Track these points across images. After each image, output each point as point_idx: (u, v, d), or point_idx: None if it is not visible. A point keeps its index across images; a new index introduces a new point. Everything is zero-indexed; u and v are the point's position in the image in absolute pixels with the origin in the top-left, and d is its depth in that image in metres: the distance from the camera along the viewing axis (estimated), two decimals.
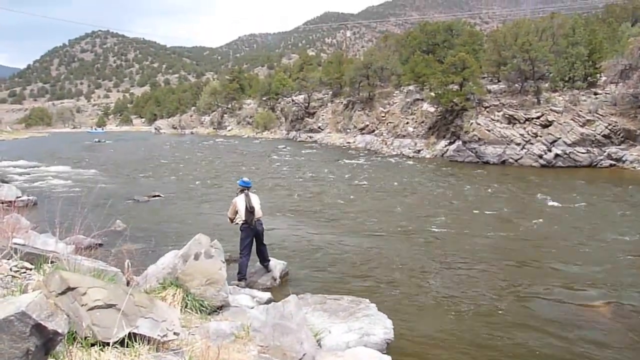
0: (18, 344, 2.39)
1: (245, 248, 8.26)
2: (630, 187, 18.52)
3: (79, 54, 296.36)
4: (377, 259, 9.90)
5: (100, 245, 9.43)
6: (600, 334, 6.52)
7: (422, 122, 35.67)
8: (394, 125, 38.38)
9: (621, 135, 24.99)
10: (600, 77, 29.27)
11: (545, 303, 7.55)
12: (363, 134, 42.14)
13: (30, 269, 4.81)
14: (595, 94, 27.79)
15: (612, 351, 6.02)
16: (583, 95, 27.75)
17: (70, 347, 3.22)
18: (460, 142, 29.93)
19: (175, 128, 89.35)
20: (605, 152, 24.96)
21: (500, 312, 7.22)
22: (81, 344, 3.35)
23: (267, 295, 7.18)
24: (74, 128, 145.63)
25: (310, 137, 49.97)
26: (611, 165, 24.57)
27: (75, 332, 3.39)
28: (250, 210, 8.22)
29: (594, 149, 25.18)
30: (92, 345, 3.38)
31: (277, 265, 8.78)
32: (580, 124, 25.81)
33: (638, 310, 7.25)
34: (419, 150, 33.36)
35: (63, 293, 3.49)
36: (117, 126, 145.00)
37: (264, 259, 8.62)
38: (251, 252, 8.42)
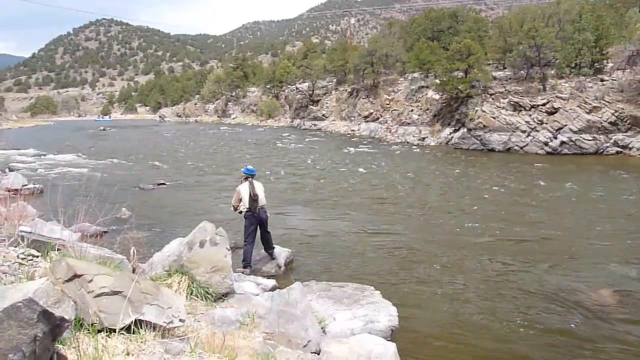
0: (26, 330, 2.41)
1: (249, 235, 8.28)
2: (636, 174, 18.42)
3: (83, 43, 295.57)
4: (381, 247, 9.92)
5: (106, 232, 9.50)
6: (605, 320, 6.53)
7: (427, 109, 35.49)
8: (399, 112, 38.22)
9: (628, 122, 24.79)
10: (607, 63, 28.94)
11: (549, 290, 7.55)
12: (367, 121, 42.00)
13: (37, 257, 4.84)
14: (602, 80, 27.52)
15: (616, 337, 6.04)
16: (589, 81, 27.49)
17: (77, 334, 3.25)
18: (465, 130, 29.79)
19: (179, 116, 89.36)
20: (611, 139, 24.79)
21: (504, 300, 7.24)
22: (88, 330, 3.38)
23: (272, 282, 7.22)
24: (79, 116, 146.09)
25: (314, 124, 49.86)
26: (617, 152, 24.42)
27: (82, 318, 3.42)
28: (254, 198, 8.23)
29: (600, 136, 25.01)
30: (99, 331, 3.41)
31: (281, 252, 8.81)
32: (587, 110, 25.62)
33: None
34: (424, 138, 33.23)
35: (70, 280, 3.52)
36: (121, 114, 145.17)
37: (268, 247, 8.65)
38: (256, 239, 8.45)
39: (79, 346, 3.04)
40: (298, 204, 14.33)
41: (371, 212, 13.17)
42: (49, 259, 4.82)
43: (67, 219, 5.73)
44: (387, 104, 40.58)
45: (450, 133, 31.44)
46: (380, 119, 40.47)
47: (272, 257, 8.65)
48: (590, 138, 25.09)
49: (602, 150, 24.73)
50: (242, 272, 7.80)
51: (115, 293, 3.60)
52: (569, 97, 26.55)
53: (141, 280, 4.08)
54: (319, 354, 4.67)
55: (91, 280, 3.55)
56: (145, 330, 3.58)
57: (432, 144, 31.83)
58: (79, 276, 3.54)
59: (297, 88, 57.42)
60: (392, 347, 4.88)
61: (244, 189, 8.32)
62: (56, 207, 5.43)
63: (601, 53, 28.59)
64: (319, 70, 54.16)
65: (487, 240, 10.32)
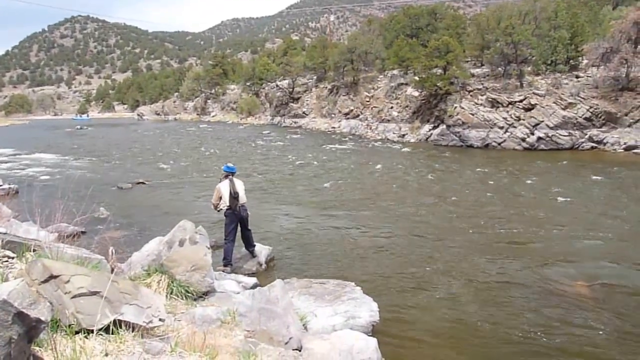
0: (0, 332, 2.37)
1: (230, 234, 8.25)
2: (611, 169, 18.80)
3: (58, 40, 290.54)
4: (362, 243, 9.97)
5: (84, 233, 9.36)
6: (581, 313, 6.66)
7: (407, 106, 35.71)
8: (379, 109, 38.38)
9: (602, 118, 25.28)
10: (582, 60, 29.50)
11: (529, 284, 7.68)
12: (348, 118, 42.10)
13: (12, 258, 4.75)
14: (577, 77, 28.03)
15: (594, 330, 6.16)
16: (565, 78, 27.97)
17: (54, 335, 3.20)
18: (444, 126, 30.04)
19: (158, 114, 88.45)
20: (586, 134, 25.25)
21: (484, 294, 7.34)
22: (65, 331, 3.33)
23: (253, 280, 7.20)
24: (55, 115, 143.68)
25: (294, 122, 49.77)
26: (592, 147, 24.87)
27: (59, 319, 3.37)
28: (234, 196, 8.20)
29: (576, 132, 25.45)
30: (77, 332, 3.36)
31: (262, 250, 8.80)
32: (563, 107, 26.04)
33: (618, 290, 7.41)
34: (404, 135, 33.43)
35: (46, 281, 3.47)
36: (99, 113, 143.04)
37: (249, 244, 8.63)
38: (236, 237, 8.42)
39: (55, 348, 3.00)
40: (279, 202, 14.30)
41: (352, 209, 13.21)
42: (24, 260, 4.73)
43: (44, 219, 5.63)
44: (367, 101, 40.72)
45: (430, 130, 31.68)
46: (361, 116, 40.59)
47: (253, 255, 8.63)
48: (566, 134, 25.52)
49: (577, 146, 25.18)
50: (223, 271, 7.76)
51: (93, 293, 3.55)
52: (545, 94, 26.96)
53: (120, 280, 4.04)
54: (300, 351, 4.68)
55: (68, 281, 3.50)
56: (124, 331, 3.54)
57: (412, 140, 32.03)
58: (56, 277, 3.48)
59: (277, 85, 57.25)
60: (373, 342, 4.92)
61: (224, 187, 8.28)
62: (32, 207, 5.34)
63: (576, 50, 29.11)
64: (299, 68, 54.07)
65: (465, 236, 10.44)
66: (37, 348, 2.96)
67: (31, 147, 32.79)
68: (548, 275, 7.97)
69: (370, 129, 37.61)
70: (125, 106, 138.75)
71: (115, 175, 19.93)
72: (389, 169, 20.45)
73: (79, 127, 64.89)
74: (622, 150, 23.47)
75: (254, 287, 6.61)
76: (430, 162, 22.27)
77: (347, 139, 35.14)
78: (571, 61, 29.07)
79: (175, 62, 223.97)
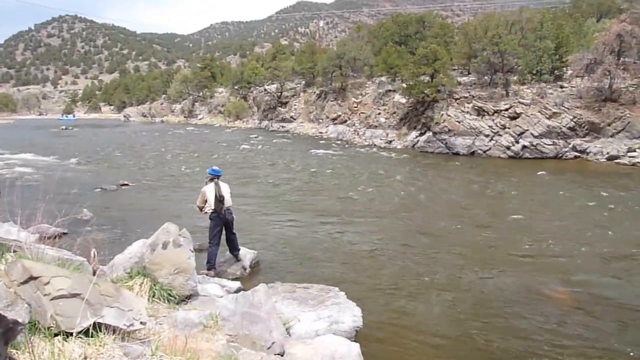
0: None
1: (214, 237, 8.21)
2: (593, 179, 19.07)
3: (45, 39, 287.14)
4: (347, 248, 9.98)
5: (66, 234, 9.26)
6: (560, 318, 6.73)
7: (394, 112, 35.86)
8: (366, 115, 38.51)
9: (586, 127, 25.64)
10: (567, 70, 29.94)
11: (509, 290, 7.74)
12: (335, 124, 42.15)
13: None
14: (562, 87, 28.42)
15: (572, 337, 6.23)
16: (550, 88, 28.34)
17: (32, 338, 3.15)
18: (431, 133, 30.24)
19: (145, 116, 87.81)
20: (570, 144, 25.57)
21: (468, 300, 7.38)
22: (44, 334, 3.29)
23: (236, 284, 7.16)
24: (40, 115, 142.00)
25: (282, 126, 49.71)
26: (576, 157, 25.20)
27: (38, 321, 3.32)
28: (220, 199, 8.18)
29: (560, 141, 25.77)
30: (56, 335, 3.32)
31: (247, 254, 8.77)
32: (547, 116, 26.37)
33: (595, 296, 7.51)
34: (391, 141, 33.57)
35: (25, 282, 3.42)
36: (85, 113, 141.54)
37: (233, 248, 8.60)
38: (221, 241, 8.38)
39: (33, 350, 2.95)
40: (264, 206, 14.28)
41: (337, 214, 13.22)
42: (4, 260, 4.66)
43: (25, 220, 5.57)
44: (355, 107, 40.83)
45: (417, 136, 31.85)
46: (348, 122, 40.67)
47: (237, 259, 8.60)
48: (551, 143, 25.83)
49: (561, 155, 25.49)
50: (207, 274, 7.72)
51: (74, 295, 3.51)
52: (531, 103, 27.28)
53: (101, 282, 4.00)
54: (283, 356, 4.67)
55: (48, 283, 3.45)
56: (104, 334, 3.50)
57: (399, 147, 32.18)
58: (35, 278, 3.43)
59: (265, 89, 57.17)
60: (355, 347, 4.92)
61: (209, 190, 8.25)
62: (13, 207, 5.27)
63: (561, 60, 29.56)
64: (287, 72, 54.02)
65: (449, 242, 10.50)
66: (14, 351, 2.91)
67: (14, 147, 32.36)
68: (533, 283, 8.04)
69: (358, 134, 37.71)
70: (112, 107, 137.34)
71: (99, 176, 19.75)
72: (375, 174, 20.51)
73: (64, 127, 64.15)
74: (605, 160, 23.80)
75: (237, 291, 6.59)
76: (416, 169, 22.40)
77: (334, 144, 35.20)
78: (556, 71, 29.50)
79: (164, 64, 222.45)
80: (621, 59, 26.41)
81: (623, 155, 23.50)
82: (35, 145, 35.44)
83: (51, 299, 3.41)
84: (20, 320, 2.53)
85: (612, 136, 25.07)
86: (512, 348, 5.92)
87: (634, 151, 23.53)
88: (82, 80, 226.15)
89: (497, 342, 6.05)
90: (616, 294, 7.60)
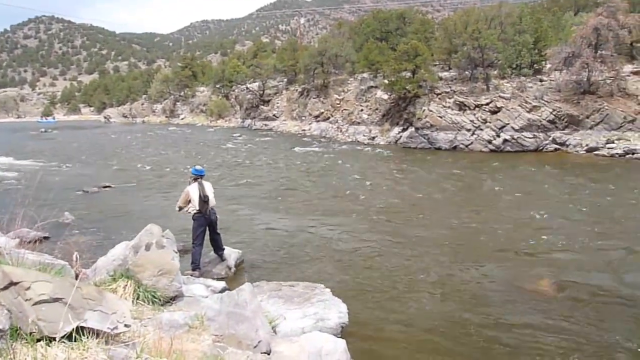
0: None
1: (198, 237, 8.17)
2: (573, 170, 19.36)
3: (22, 40, 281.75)
4: (331, 245, 10.01)
5: (47, 238, 9.15)
6: (544, 310, 6.83)
7: (376, 109, 35.98)
8: (349, 112, 38.57)
9: (565, 120, 26.00)
10: (546, 64, 30.30)
11: (495, 284, 7.84)
12: (318, 121, 42.15)
13: None
14: (541, 80, 28.78)
15: (555, 329, 6.33)
16: (529, 82, 28.68)
17: (14, 344, 3.11)
18: (413, 129, 30.39)
19: (125, 117, 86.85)
20: (550, 136, 25.92)
21: (454, 295, 7.46)
22: (26, 339, 3.24)
23: (221, 284, 7.14)
24: (18, 117, 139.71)
25: (265, 125, 49.56)
26: (556, 149, 25.54)
27: (19, 327, 3.27)
28: (204, 200, 8.13)
29: (540, 134, 26.10)
30: (38, 340, 3.27)
31: (231, 253, 8.74)
32: (527, 109, 26.68)
33: (578, 287, 7.63)
34: (374, 137, 33.68)
35: (5, 288, 3.36)
36: (64, 115, 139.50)
37: (218, 248, 8.56)
38: (205, 241, 8.34)
39: (15, 357, 2.92)
40: (248, 205, 14.24)
41: (322, 212, 13.24)
42: None
43: (4, 224, 5.48)
44: (338, 104, 40.87)
45: (399, 132, 31.99)
46: (331, 119, 40.70)
47: (222, 258, 8.57)
48: (531, 136, 26.14)
49: (542, 148, 25.81)
50: (191, 275, 7.69)
51: (56, 300, 3.46)
52: (511, 97, 27.58)
53: (83, 285, 3.95)
54: (269, 354, 4.67)
55: (29, 288, 3.41)
56: (88, 338, 3.46)
57: (382, 143, 32.29)
58: (16, 284, 3.38)
59: (247, 88, 56.89)
60: (342, 343, 4.94)
61: (193, 190, 8.20)
62: None
63: (540, 54, 29.92)
64: (269, 70, 53.83)
65: (434, 237, 10.58)
66: None
67: None
68: (519, 276, 8.14)
69: (341, 131, 37.76)
70: (92, 108, 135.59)
71: (80, 178, 19.50)
72: (359, 172, 20.57)
73: (43, 130, 63.12)
74: (584, 152, 24.16)
75: (222, 291, 6.57)
76: (400, 165, 22.50)
77: (317, 141, 35.20)
78: (535, 65, 29.86)
79: (144, 64, 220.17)
80: (598, 52, 26.79)
81: (602, 147, 23.87)
82: (14, 149, 34.88)
83: (33, 304, 3.36)
84: (0, 327, 2.50)
85: (590, 128, 25.47)
86: (500, 342, 5.99)
87: (612, 142, 23.93)
88: (61, 81, 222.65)
89: (484, 337, 6.12)
90: (604, 284, 7.74)
